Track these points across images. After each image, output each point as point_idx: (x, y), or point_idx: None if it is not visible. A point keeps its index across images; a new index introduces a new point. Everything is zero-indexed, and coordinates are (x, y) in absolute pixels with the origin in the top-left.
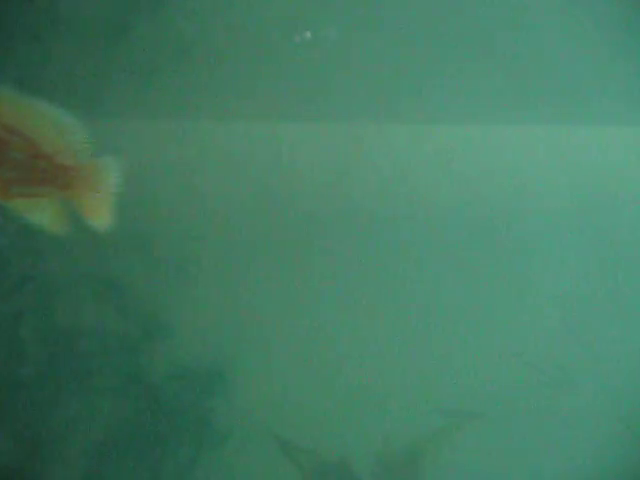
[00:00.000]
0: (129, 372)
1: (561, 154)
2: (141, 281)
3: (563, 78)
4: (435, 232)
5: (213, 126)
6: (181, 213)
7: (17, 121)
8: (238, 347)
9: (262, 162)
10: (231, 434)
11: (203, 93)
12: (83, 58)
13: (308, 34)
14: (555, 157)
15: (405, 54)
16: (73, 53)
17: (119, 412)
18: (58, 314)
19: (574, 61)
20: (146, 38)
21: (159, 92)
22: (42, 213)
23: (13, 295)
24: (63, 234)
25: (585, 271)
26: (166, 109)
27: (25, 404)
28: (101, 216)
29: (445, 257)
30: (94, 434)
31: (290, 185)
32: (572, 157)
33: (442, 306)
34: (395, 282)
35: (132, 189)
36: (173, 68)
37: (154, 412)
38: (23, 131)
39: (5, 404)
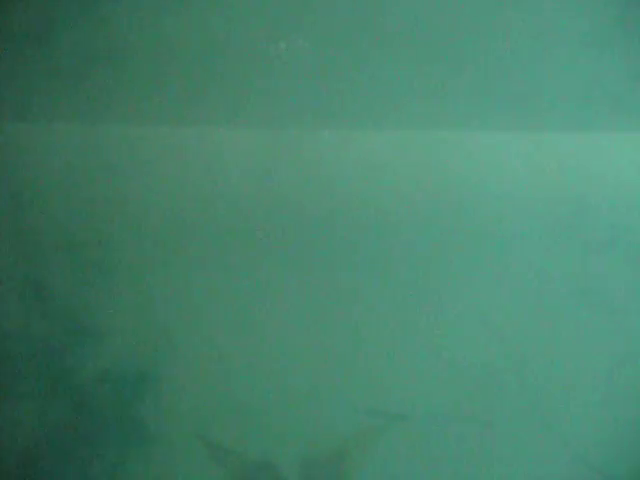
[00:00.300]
0: (55, 375)
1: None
2: (67, 283)
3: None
4: (359, 236)
5: (139, 130)
6: (106, 215)
7: None
8: (166, 349)
9: (187, 166)
10: (159, 436)
11: (131, 97)
12: (7, 61)
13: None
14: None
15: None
16: None
17: (45, 416)
18: None
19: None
20: (72, 42)
21: (84, 96)
22: None
23: None
24: None
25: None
26: (94, 113)
27: None
28: None
29: (368, 259)
30: (20, 438)
31: (216, 187)
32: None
33: (369, 306)
34: (319, 282)
35: (58, 191)
36: (100, 72)
37: (81, 415)
38: None
39: None
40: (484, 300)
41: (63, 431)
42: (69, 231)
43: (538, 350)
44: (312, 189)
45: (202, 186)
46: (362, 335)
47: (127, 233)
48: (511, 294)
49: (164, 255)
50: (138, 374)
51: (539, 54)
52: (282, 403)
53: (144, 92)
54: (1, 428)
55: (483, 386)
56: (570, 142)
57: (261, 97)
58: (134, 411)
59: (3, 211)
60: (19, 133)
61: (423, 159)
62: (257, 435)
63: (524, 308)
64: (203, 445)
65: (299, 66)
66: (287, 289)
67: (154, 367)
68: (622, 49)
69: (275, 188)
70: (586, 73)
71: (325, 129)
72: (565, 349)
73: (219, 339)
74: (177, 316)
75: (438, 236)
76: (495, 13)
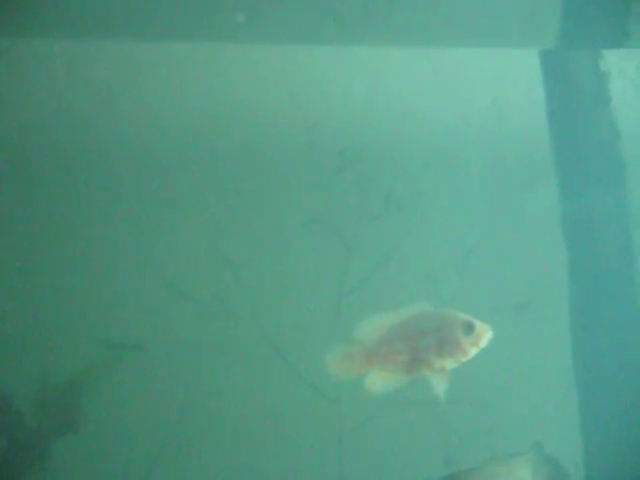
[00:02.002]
0: None
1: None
2: None
3: None
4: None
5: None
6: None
7: None
8: None
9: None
10: None
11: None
12: None
13: None
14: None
15: None
16: None
17: None
18: None
19: None
20: None
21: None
22: None
23: None
24: None
25: None
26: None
27: None
28: None
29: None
30: None
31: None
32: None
33: (101, 237)
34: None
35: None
36: None
37: None
38: None
39: None
40: (214, 231)
41: None
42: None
43: (271, 283)
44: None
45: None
46: (96, 266)
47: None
48: (243, 226)
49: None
50: None
51: None
52: (16, 333)
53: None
54: None
55: (216, 315)
56: None
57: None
58: None
59: None
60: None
61: None
62: None
63: (258, 240)
64: None
65: None
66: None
67: None
68: None
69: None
70: None
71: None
72: (296, 279)
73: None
74: None
75: None
76: None
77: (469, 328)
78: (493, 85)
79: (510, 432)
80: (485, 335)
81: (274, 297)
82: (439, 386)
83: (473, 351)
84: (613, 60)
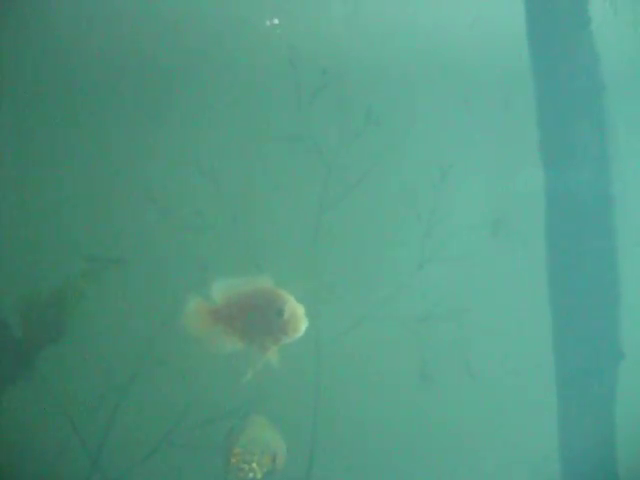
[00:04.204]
0: None
1: None
2: None
3: None
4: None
5: None
6: None
7: None
8: None
9: None
10: None
11: None
12: None
13: None
14: None
15: None
16: None
17: None
18: None
19: None
20: None
21: None
22: None
23: None
24: None
25: None
26: None
27: None
28: None
29: None
30: None
31: None
32: None
33: (86, 154)
34: None
35: None
36: None
37: None
38: None
39: None
40: (199, 146)
41: None
42: None
43: (251, 197)
44: None
45: None
46: (76, 182)
47: None
48: (225, 141)
49: None
50: None
51: None
52: (2, 248)
53: None
54: None
55: (196, 228)
56: None
57: None
58: None
59: None
60: None
61: None
62: None
63: (239, 155)
64: None
65: None
66: None
67: None
68: None
69: None
70: None
71: None
72: (276, 194)
73: None
74: None
75: None
76: None
77: (279, 313)
78: (474, 3)
79: (485, 348)
80: (295, 325)
81: (254, 212)
82: (270, 360)
83: (282, 337)
84: None
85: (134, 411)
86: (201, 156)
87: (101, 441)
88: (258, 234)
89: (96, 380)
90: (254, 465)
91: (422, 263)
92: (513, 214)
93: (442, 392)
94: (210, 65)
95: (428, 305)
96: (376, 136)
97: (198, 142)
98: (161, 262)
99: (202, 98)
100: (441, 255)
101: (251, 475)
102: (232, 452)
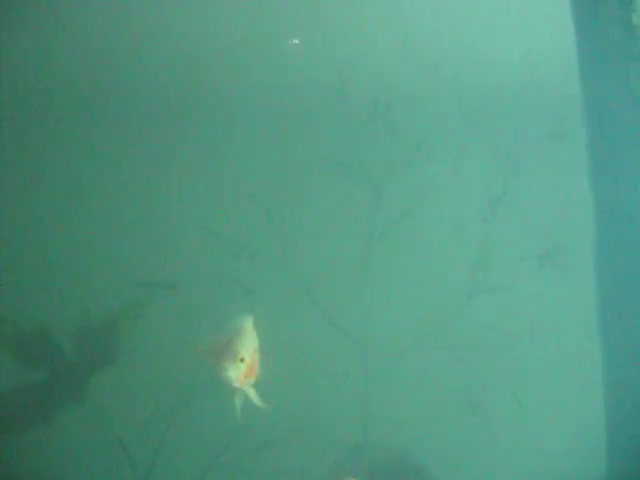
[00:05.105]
0: None
1: None
2: None
3: None
4: None
5: None
6: None
7: None
8: None
9: None
10: None
11: None
12: None
13: None
14: None
15: None
16: None
17: None
18: None
19: None
20: None
21: None
22: None
23: None
24: None
25: None
26: None
27: None
28: None
29: None
30: None
31: None
32: None
33: (135, 179)
34: None
35: None
36: None
37: None
38: None
39: None
40: (250, 174)
41: None
42: None
43: (301, 225)
44: None
45: None
46: (129, 208)
47: None
48: (274, 169)
49: None
50: None
51: None
52: (58, 273)
53: None
54: None
55: (245, 255)
56: None
57: None
58: None
59: None
60: None
61: None
62: (33, 303)
63: (288, 184)
64: None
65: None
66: None
67: None
68: None
69: None
70: None
71: None
72: (326, 222)
73: None
74: None
75: None
76: None
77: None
78: (526, 35)
79: (533, 380)
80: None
81: (303, 239)
82: (250, 397)
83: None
84: None
85: (184, 434)
86: (252, 184)
87: (150, 464)
88: (307, 262)
89: (147, 403)
90: None
91: (471, 294)
92: (563, 244)
93: (490, 421)
94: (263, 95)
95: (476, 335)
96: (426, 165)
97: (249, 170)
98: (211, 288)
99: (253, 127)
100: (490, 286)
101: None
102: None
